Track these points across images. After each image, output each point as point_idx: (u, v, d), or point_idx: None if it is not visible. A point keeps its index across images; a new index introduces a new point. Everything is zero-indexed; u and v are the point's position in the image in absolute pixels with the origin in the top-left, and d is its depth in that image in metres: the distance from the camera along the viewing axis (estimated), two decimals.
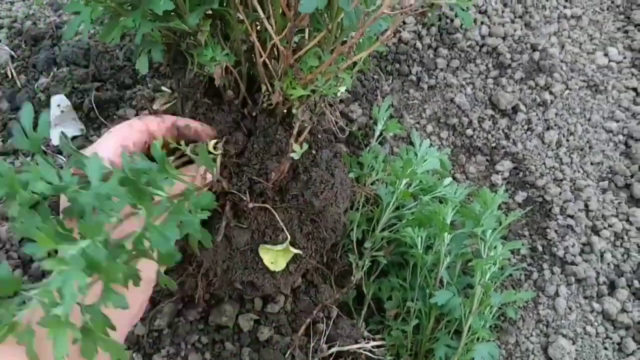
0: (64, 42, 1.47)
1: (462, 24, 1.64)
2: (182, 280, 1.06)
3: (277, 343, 1.18)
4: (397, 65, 1.60)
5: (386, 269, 1.34)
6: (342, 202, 1.11)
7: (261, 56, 0.92)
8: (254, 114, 1.00)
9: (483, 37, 1.64)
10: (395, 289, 1.30)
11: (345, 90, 1.46)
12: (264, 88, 0.97)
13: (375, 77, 1.57)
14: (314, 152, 1.06)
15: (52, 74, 1.40)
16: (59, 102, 1.34)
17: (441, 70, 1.61)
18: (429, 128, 1.56)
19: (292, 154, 0.98)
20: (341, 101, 1.46)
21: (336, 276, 1.31)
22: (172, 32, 0.93)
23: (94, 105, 1.36)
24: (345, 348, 1.19)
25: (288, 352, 1.17)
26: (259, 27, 0.94)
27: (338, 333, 1.21)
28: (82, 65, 1.43)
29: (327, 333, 1.20)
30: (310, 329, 1.21)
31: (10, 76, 1.38)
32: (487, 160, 1.56)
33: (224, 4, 0.89)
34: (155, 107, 1.11)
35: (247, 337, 1.18)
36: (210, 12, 0.91)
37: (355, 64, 1.03)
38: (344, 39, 0.93)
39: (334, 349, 1.17)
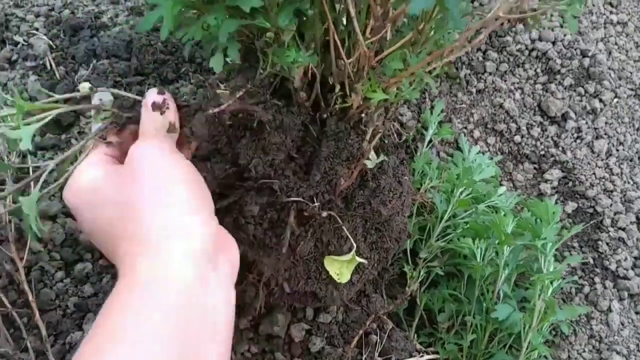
0: (103, 33, 1.42)
1: (512, 27, 1.59)
2: (242, 289, 1.01)
3: (329, 355, 1.13)
4: (446, 67, 1.55)
5: (437, 279, 1.30)
6: (407, 211, 1.06)
7: (340, 57, 0.87)
8: (324, 116, 0.95)
9: (533, 41, 1.59)
10: (448, 301, 1.25)
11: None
12: (337, 88, 0.92)
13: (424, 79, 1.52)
14: (383, 159, 1.02)
15: (92, 65, 1.35)
16: (101, 97, 1.29)
17: (490, 73, 1.56)
18: (477, 133, 1.51)
19: (366, 161, 0.93)
20: (391, 104, 1.40)
21: (387, 285, 1.27)
22: (248, 29, 0.88)
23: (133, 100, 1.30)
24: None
25: None
26: (340, 27, 0.89)
27: (392, 346, 1.16)
28: (124, 58, 1.38)
29: (380, 345, 1.15)
30: (362, 341, 1.17)
31: (49, 67, 1.33)
32: (535, 168, 1.51)
33: (311, 4, 0.84)
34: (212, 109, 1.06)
35: (298, 348, 1.13)
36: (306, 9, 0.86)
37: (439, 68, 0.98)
38: (440, 41, 0.88)
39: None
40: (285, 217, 0.95)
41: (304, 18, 0.88)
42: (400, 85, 0.88)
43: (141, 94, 1.32)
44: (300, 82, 0.89)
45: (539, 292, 1.16)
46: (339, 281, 1.00)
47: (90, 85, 0.91)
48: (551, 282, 1.16)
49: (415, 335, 1.24)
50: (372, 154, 0.93)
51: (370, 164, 0.93)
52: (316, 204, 0.93)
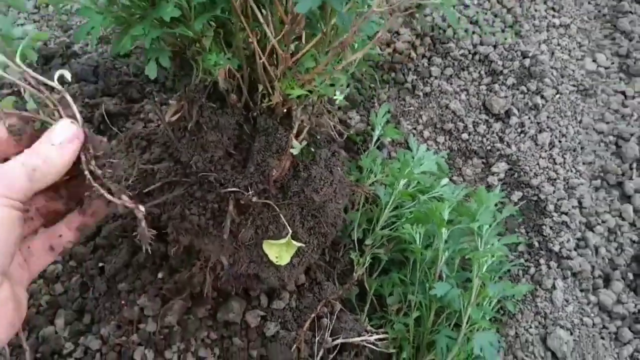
0: (73, 60, 1.54)
1: (454, 34, 1.71)
2: (191, 274, 1.11)
3: (283, 338, 1.22)
4: (393, 74, 1.67)
5: (387, 267, 1.39)
6: (341, 198, 1.16)
7: (261, 59, 0.98)
8: (254, 114, 1.06)
9: (475, 45, 1.71)
10: (397, 285, 1.34)
11: (343, 98, 1.52)
12: (260, 88, 1.02)
13: (372, 86, 1.64)
14: (313, 151, 1.12)
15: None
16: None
17: (435, 78, 1.67)
18: (426, 133, 1.62)
19: (292, 150, 1.03)
20: (339, 108, 1.52)
21: (339, 274, 1.36)
22: (178, 40, 1.00)
23: (105, 118, 1.43)
24: (349, 340, 1.23)
25: (294, 347, 1.22)
26: (258, 34, 1.00)
27: (341, 327, 1.25)
28: (92, 81, 1.50)
29: (331, 327, 1.24)
30: (315, 324, 1.26)
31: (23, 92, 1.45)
32: (482, 162, 1.61)
33: (227, 13, 0.96)
34: (167, 117, 1.17)
35: (254, 333, 1.22)
36: (213, 21, 0.98)
37: (350, 65, 1.08)
38: (340, 41, 0.99)
39: (337, 341, 1.22)
40: (226, 207, 1.06)
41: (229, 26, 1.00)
42: (313, 82, 0.98)
43: (108, 114, 1.45)
44: (227, 83, 1.00)
45: (476, 270, 1.25)
46: (278, 264, 1.09)
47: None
48: (486, 260, 1.25)
49: (367, 319, 1.32)
50: (296, 143, 1.04)
51: (295, 151, 1.04)
52: (250, 193, 1.04)
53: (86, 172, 0.84)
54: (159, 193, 1.05)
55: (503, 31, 1.76)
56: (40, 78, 0.85)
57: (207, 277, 1.10)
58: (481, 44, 1.72)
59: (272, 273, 1.11)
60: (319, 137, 1.17)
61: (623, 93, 1.80)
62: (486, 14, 1.80)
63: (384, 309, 1.36)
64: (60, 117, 0.83)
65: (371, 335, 1.26)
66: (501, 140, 1.63)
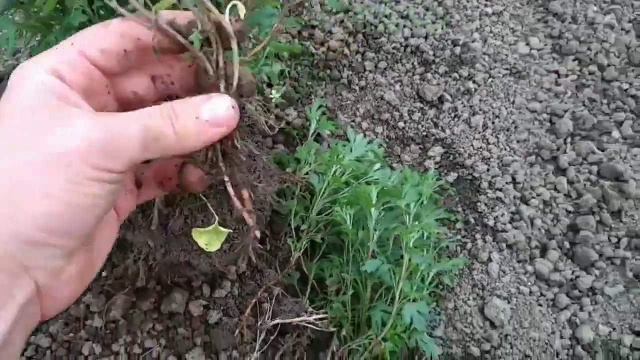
0: None
1: (385, 29, 1.79)
2: (125, 267, 1.17)
3: (225, 324, 1.28)
4: (328, 71, 1.75)
5: (327, 251, 1.45)
6: (267, 184, 1.23)
7: None
8: None
9: (406, 38, 1.79)
10: (335, 267, 1.40)
11: (280, 96, 1.60)
12: None
13: (309, 83, 1.71)
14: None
15: None
16: None
17: (370, 72, 1.75)
18: (364, 125, 1.69)
19: None
20: (277, 106, 1.59)
21: (281, 261, 1.42)
22: None
23: None
24: (288, 321, 1.29)
25: (237, 332, 1.28)
26: None
27: (282, 310, 1.31)
28: None
29: (271, 310, 1.30)
30: (257, 310, 1.32)
31: None
32: (420, 148, 1.68)
33: None
34: None
35: (197, 321, 1.29)
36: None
37: (256, 58, 1.15)
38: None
39: (276, 321, 1.28)
40: (152, 200, 1.12)
41: None
42: None
43: None
44: None
45: (404, 245, 1.31)
46: (209, 250, 1.16)
47: None
48: (413, 235, 1.32)
49: (309, 302, 1.38)
50: None
51: None
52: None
53: (221, 165, 0.63)
54: None
55: (434, 23, 1.84)
56: None
57: (141, 268, 1.16)
58: (412, 36, 1.80)
59: (204, 260, 1.18)
60: (241, 128, 1.23)
61: (556, 72, 1.87)
62: (417, 7, 1.88)
63: (324, 291, 1.42)
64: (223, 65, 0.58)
65: (310, 315, 1.32)
66: (436, 125, 1.70)
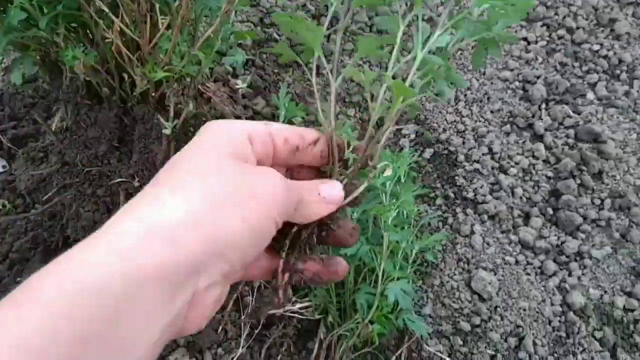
0: None
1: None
2: None
3: (208, 322, 1.24)
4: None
5: None
6: None
7: (119, 51, 1.01)
8: (129, 105, 1.09)
9: (370, 17, 1.76)
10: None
11: (247, 85, 1.56)
12: (126, 77, 1.06)
13: (276, 71, 1.67)
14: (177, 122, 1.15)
15: None
16: None
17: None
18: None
19: (164, 130, 1.07)
20: (244, 96, 1.55)
21: None
22: (41, 44, 1.03)
23: (9, 144, 1.45)
24: (272, 312, 1.25)
25: (220, 328, 1.25)
26: (116, 25, 1.03)
27: (264, 301, 1.27)
28: None
29: (253, 304, 1.27)
30: (239, 304, 1.28)
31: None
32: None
33: (77, 9, 0.99)
34: (54, 125, 1.20)
35: None
36: (70, 20, 1.01)
37: (212, 43, 1.11)
38: (181, 16, 1.02)
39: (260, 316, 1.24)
40: (117, 199, 1.09)
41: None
42: (171, 63, 1.02)
43: (16, 137, 1.47)
44: (97, 77, 1.03)
45: (382, 223, 1.28)
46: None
47: None
48: (390, 213, 1.28)
49: (292, 291, 1.35)
50: (168, 124, 1.07)
51: (167, 131, 1.07)
52: (136, 180, 1.07)
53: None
54: (56, 196, 1.08)
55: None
56: None
57: None
58: (377, 15, 1.76)
59: None
60: (205, 120, 1.20)
61: (525, 39, 1.85)
62: None
63: None
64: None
65: (294, 305, 1.29)
66: None
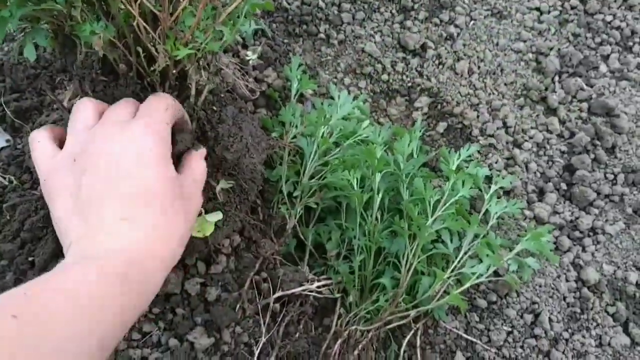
0: None
1: None
2: None
3: (225, 300, 1.23)
4: (305, 27, 1.66)
5: (322, 215, 1.40)
6: (255, 153, 1.16)
7: (138, 25, 0.96)
8: (148, 81, 1.05)
9: None
10: (334, 230, 1.36)
11: (257, 57, 1.52)
12: (142, 53, 1.01)
13: (286, 41, 1.63)
14: (218, 110, 1.12)
15: None
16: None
17: (348, 24, 1.67)
18: (347, 80, 1.62)
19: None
20: (254, 68, 1.51)
21: (276, 231, 1.37)
22: (54, 17, 0.98)
23: (12, 117, 1.40)
24: (290, 292, 1.25)
25: (238, 307, 1.23)
26: None
27: (282, 279, 1.26)
28: None
29: (271, 283, 1.26)
30: (255, 282, 1.27)
31: None
32: (406, 100, 1.62)
33: None
34: (65, 101, 1.15)
35: (196, 300, 1.23)
36: None
37: (234, 17, 1.07)
38: None
39: (279, 294, 1.23)
40: None
41: None
42: (197, 39, 0.97)
43: (20, 109, 1.42)
44: (114, 53, 0.99)
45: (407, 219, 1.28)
46: (203, 236, 1.10)
47: None
48: (416, 205, 1.28)
49: (309, 268, 1.34)
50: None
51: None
52: None
53: None
54: None
55: None
56: None
57: None
58: None
59: (199, 245, 1.13)
60: (223, 95, 1.16)
61: (538, 9, 1.81)
62: None
63: (323, 256, 1.37)
64: None
65: (312, 283, 1.27)
66: (420, 75, 1.64)
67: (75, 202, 0.85)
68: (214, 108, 1.11)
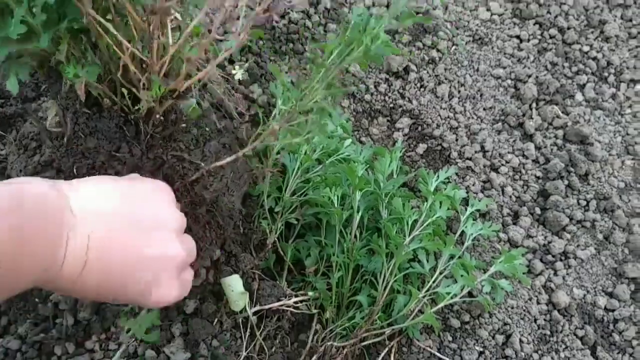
0: None
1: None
2: None
3: (203, 313, 1.24)
4: (291, 45, 1.69)
5: (303, 232, 1.42)
6: (235, 189, 1.17)
7: (124, 68, 0.96)
8: (132, 117, 1.05)
9: (368, 7, 1.75)
10: (312, 247, 1.38)
11: (243, 73, 1.54)
12: (126, 93, 1.00)
13: (272, 58, 1.65)
14: (202, 146, 1.13)
15: None
16: None
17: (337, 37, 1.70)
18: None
19: None
20: (240, 83, 1.53)
21: (256, 245, 1.38)
22: (39, 53, 0.97)
23: None
24: (268, 306, 1.26)
25: (215, 320, 1.24)
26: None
27: (260, 294, 1.28)
28: None
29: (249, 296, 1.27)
30: None
31: None
32: (387, 120, 1.66)
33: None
34: (49, 120, 1.15)
35: (174, 313, 1.24)
36: (76, 27, 0.95)
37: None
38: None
39: (256, 308, 1.24)
40: None
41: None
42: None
43: (3, 116, 1.42)
44: (95, 90, 0.98)
45: (384, 238, 1.30)
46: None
47: None
48: (395, 224, 1.30)
49: (287, 284, 1.35)
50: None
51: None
52: None
53: None
54: None
55: None
56: None
57: None
58: (374, 5, 1.76)
59: None
60: (207, 129, 1.17)
61: (518, 37, 1.86)
62: None
63: (301, 271, 1.39)
64: None
65: (290, 299, 1.29)
66: (402, 96, 1.67)
67: None
68: (200, 145, 1.12)
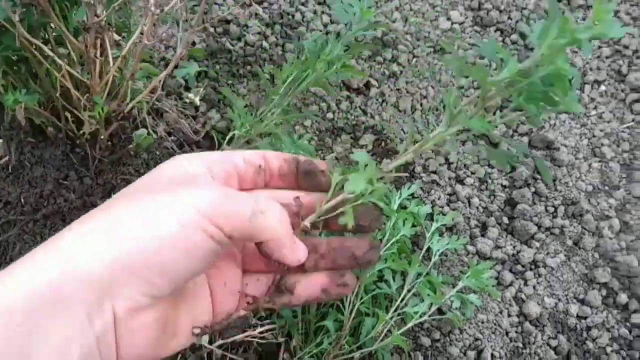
0: None
1: (303, 17, 1.73)
2: None
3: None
4: (249, 67, 1.68)
5: None
6: None
7: (66, 92, 0.96)
8: (78, 143, 1.05)
9: (325, 25, 1.73)
10: None
11: (200, 99, 1.52)
12: (70, 117, 1.00)
13: (230, 82, 1.64)
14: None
15: None
16: None
17: (292, 64, 1.69)
18: (292, 119, 1.64)
19: None
20: (197, 110, 1.52)
21: None
22: None
23: None
24: (232, 339, 1.24)
25: (179, 356, 1.23)
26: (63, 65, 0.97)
27: (225, 326, 1.26)
28: None
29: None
30: None
31: None
32: (351, 137, 1.64)
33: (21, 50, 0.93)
34: None
35: None
36: (15, 56, 0.95)
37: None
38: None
39: (220, 341, 1.23)
40: None
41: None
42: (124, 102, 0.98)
43: None
44: (38, 118, 0.98)
45: None
46: None
47: None
48: None
49: (251, 313, 1.33)
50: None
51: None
52: None
53: None
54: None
55: (352, 6, 1.78)
56: None
57: None
58: (331, 22, 1.74)
59: None
60: (158, 152, 1.16)
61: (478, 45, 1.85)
62: None
63: None
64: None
65: (255, 329, 1.27)
66: (364, 112, 1.66)
67: None
68: (149, 167, 1.11)
